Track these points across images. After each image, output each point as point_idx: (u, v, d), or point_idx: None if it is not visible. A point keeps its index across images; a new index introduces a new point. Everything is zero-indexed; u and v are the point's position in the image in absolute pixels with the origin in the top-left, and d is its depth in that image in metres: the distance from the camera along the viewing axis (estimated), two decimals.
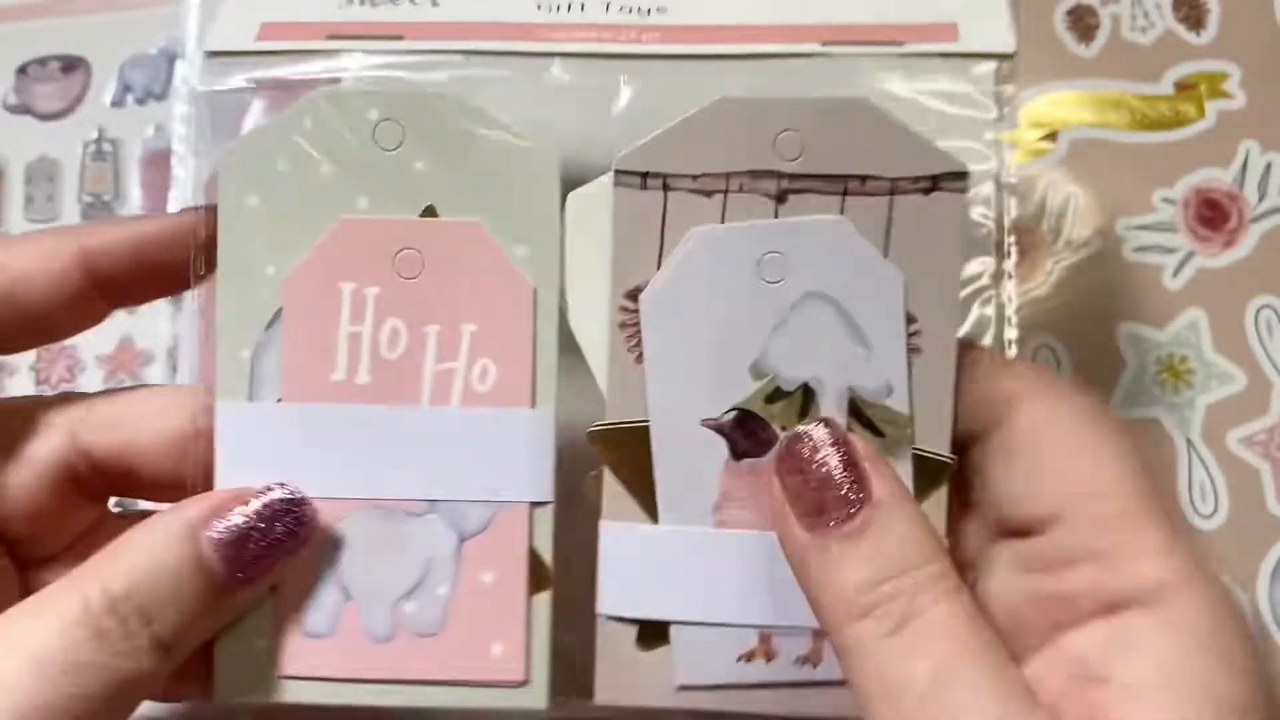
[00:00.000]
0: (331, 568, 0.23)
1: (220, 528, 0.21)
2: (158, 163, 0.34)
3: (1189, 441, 0.30)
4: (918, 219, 0.22)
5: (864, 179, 0.22)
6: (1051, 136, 0.32)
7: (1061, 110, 0.33)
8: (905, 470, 0.22)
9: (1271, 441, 0.30)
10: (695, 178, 0.22)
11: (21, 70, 0.35)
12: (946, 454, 0.22)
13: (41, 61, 0.35)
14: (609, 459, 0.23)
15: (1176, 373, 0.30)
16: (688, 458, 0.22)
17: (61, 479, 0.23)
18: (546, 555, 0.23)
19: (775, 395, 0.22)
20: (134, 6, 0.35)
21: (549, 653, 0.23)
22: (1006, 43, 0.22)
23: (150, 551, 0.21)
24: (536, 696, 0.23)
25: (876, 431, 0.22)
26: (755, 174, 0.22)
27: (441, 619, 0.23)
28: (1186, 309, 0.31)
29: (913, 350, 0.22)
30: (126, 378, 0.33)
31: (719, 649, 0.23)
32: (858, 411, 0.22)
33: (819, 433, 0.20)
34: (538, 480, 0.23)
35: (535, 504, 0.23)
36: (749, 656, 0.23)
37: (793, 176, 0.22)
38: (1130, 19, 0.33)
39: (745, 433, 0.22)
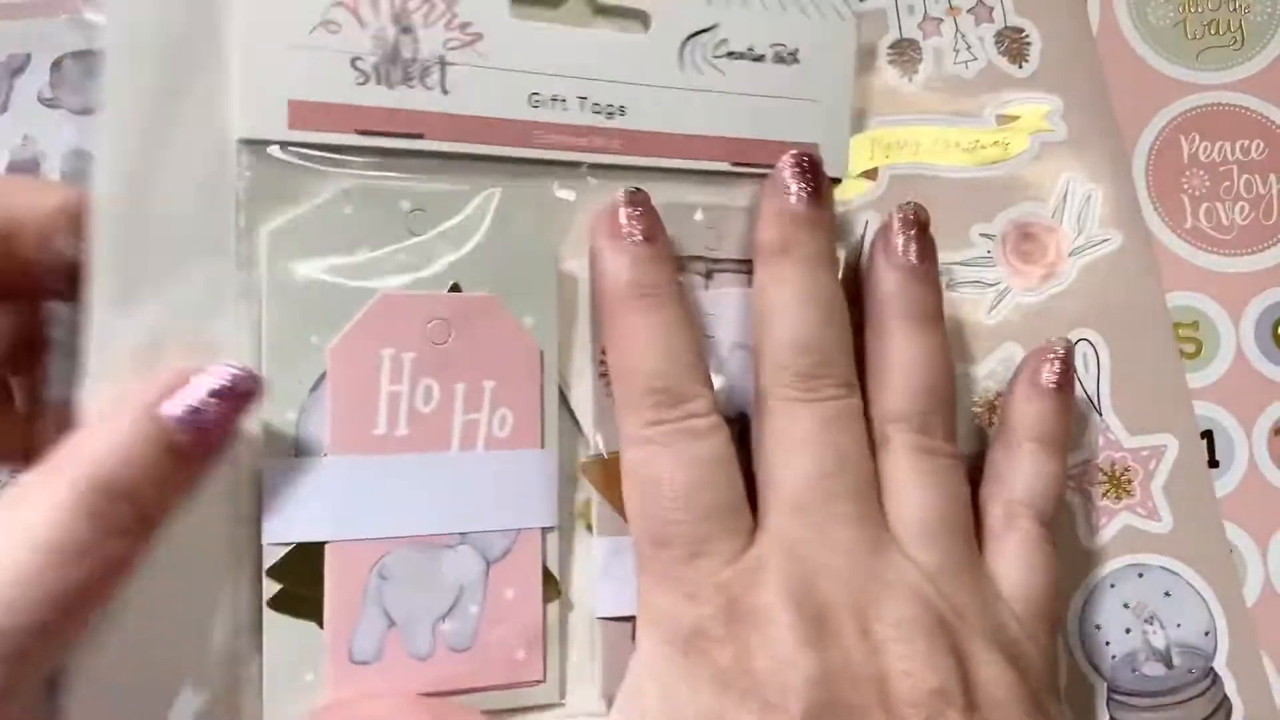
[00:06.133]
0: (377, 599, 0.25)
1: (179, 405, 0.22)
2: None
3: None
4: None
5: None
6: (872, 174, 0.32)
7: (883, 145, 0.32)
8: None
9: (1084, 476, 0.31)
10: None
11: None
12: None
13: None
14: (598, 485, 0.28)
15: (994, 408, 0.30)
16: None
17: None
18: (556, 571, 0.27)
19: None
20: None
21: (560, 653, 0.27)
22: (841, 170, 0.31)
23: (119, 437, 0.21)
24: (551, 693, 0.27)
25: None
26: (690, 258, 0.29)
27: (473, 634, 0.26)
28: (1003, 343, 0.31)
29: None
30: None
31: None
32: None
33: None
34: (548, 509, 0.27)
35: (546, 529, 0.27)
36: None
37: (715, 260, 0.30)
38: (954, 52, 0.32)
39: None
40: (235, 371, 0.22)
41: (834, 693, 0.23)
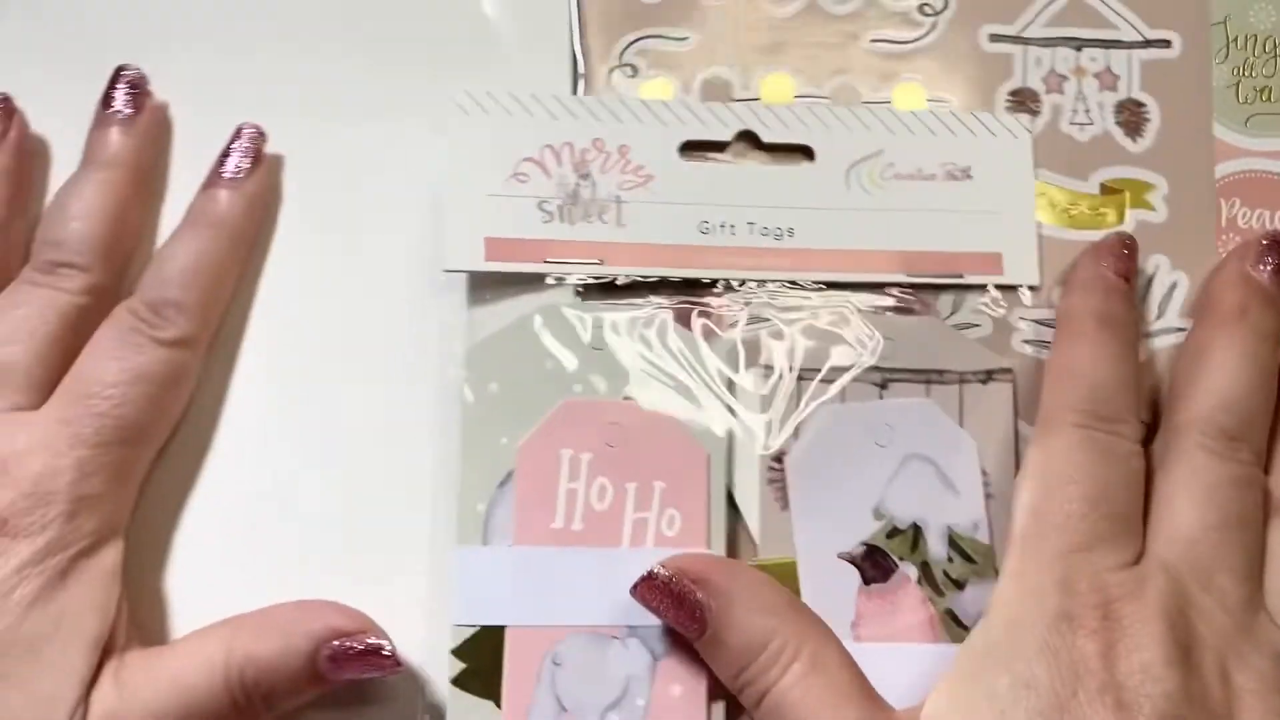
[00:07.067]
0: (550, 685, 0.27)
1: (335, 646, 0.26)
2: None
3: None
4: (980, 400, 0.30)
5: (941, 372, 0.31)
6: None
7: None
8: (990, 587, 0.29)
9: None
10: (822, 370, 0.30)
11: None
12: None
13: None
14: None
15: None
16: (828, 585, 0.29)
17: (219, 694, 0.26)
18: None
19: (893, 532, 0.29)
20: None
21: None
22: (1033, 277, 0.32)
23: (280, 645, 0.26)
24: None
25: (968, 559, 0.29)
26: (865, 369, 0.30)
27: None
28: None
29: (988, 496, 0.30)
30: None
31: None
32: (954, 543, 0.29)
33: (662, 572, 0.26)
34: None
35: None
36: None
37: (891, 370, 0.30)
38: (1071, 112, 0.33)
39: (872, 563, 0.29)
40: (388, 650, 0.26)
41: (1188, 716, 0.24)
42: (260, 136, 0.30)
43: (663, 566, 0.26)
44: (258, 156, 0.30)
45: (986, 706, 0.25)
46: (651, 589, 0.26)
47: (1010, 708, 0.24)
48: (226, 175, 0.29)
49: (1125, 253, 0.30)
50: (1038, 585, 0.26)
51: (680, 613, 0.26)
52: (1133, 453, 0.27)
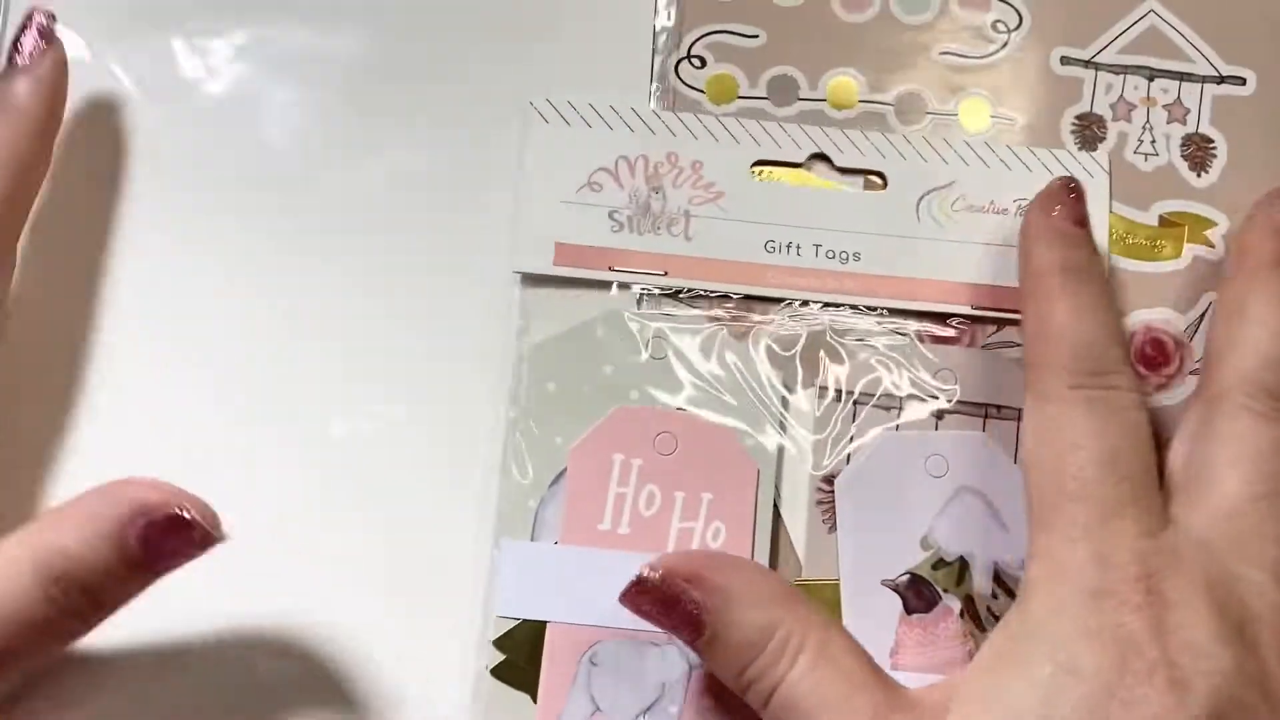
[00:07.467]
0: (585, 684, 0.28)
1: (140, 527, 0.23)
2: None
3: None
4: None
5: (999, 407, 0.30)
6: None
7: None
8: None
9: None
10: (878, 396, 0.30)
11: None
12: None
13: None
14: None
15: None
16: (870, 610, 0.29)
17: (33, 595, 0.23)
18: None
19: (939, 564, 0.29)
20: None
21: None
22: None
23: (85, 533, 0.23)
24: None
25: (1013, 596, 0.29)
26: (920, 399, 0.30)
27: None
28: None
29: None
30: None
31: None
32: (999, 579, 0.29)
33: (651, 575, 0.25)
34: None
35: None
36: None
37: (949, 401, 0.30)
38: (1137, 141, 0.32)
39: (915, 592, 0.29)
40: (195, 518, 0.23)
41: (1244, 696, 0.23)
42: (50, 17, 0.29)
43: (651, 569, 0.25)
44: (49, 38, 0.28)
45: (1028, 695, 0.23)
46: (642, 594, 0.25)
47: (1054, 695, 0.23)
48: (20, 61, 0.28)
49: (1073, 197, 0.28)
50: (1070, 563, 0.24)
51: (675, 617, 0.25)
52: (1133, 404, 0.26)
